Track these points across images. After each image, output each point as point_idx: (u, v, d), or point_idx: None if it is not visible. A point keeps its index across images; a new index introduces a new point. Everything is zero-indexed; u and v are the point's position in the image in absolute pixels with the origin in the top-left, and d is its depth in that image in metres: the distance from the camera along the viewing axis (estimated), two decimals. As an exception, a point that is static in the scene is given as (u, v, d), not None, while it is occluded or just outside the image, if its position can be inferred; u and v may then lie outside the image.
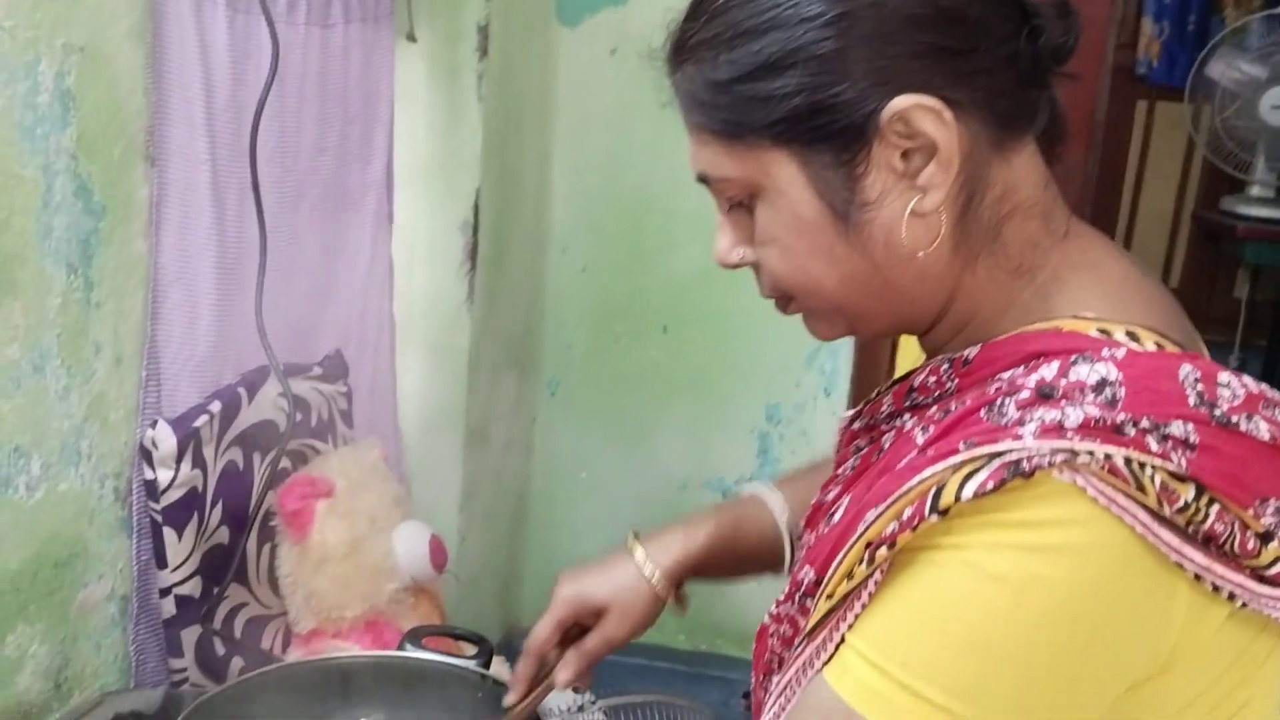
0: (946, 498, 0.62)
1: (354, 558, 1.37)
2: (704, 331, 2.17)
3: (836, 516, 0.74)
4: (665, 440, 2.24)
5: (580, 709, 1.87)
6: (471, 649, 1.04)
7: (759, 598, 2.30)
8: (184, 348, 1.27)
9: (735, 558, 0.99)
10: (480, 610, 2.06)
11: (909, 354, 0.98)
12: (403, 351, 1.81)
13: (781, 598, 0.76)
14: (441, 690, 1.00)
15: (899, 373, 0.96)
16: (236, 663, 1.31)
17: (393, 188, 1.73)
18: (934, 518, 0.62)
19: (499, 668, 1.53)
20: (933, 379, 0.73)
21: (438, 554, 1.43)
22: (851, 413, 0.85)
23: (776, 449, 2.20)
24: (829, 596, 0.67)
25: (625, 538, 0.97)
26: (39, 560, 1.10)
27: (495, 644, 2.19)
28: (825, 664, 0.66)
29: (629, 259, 2.18)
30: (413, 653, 1.02)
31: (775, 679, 0.73)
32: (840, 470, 0.83)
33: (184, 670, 1.26)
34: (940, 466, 0.63)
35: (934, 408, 0.72)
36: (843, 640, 0.66)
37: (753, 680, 0.81)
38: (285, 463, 1.41)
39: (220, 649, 1.30)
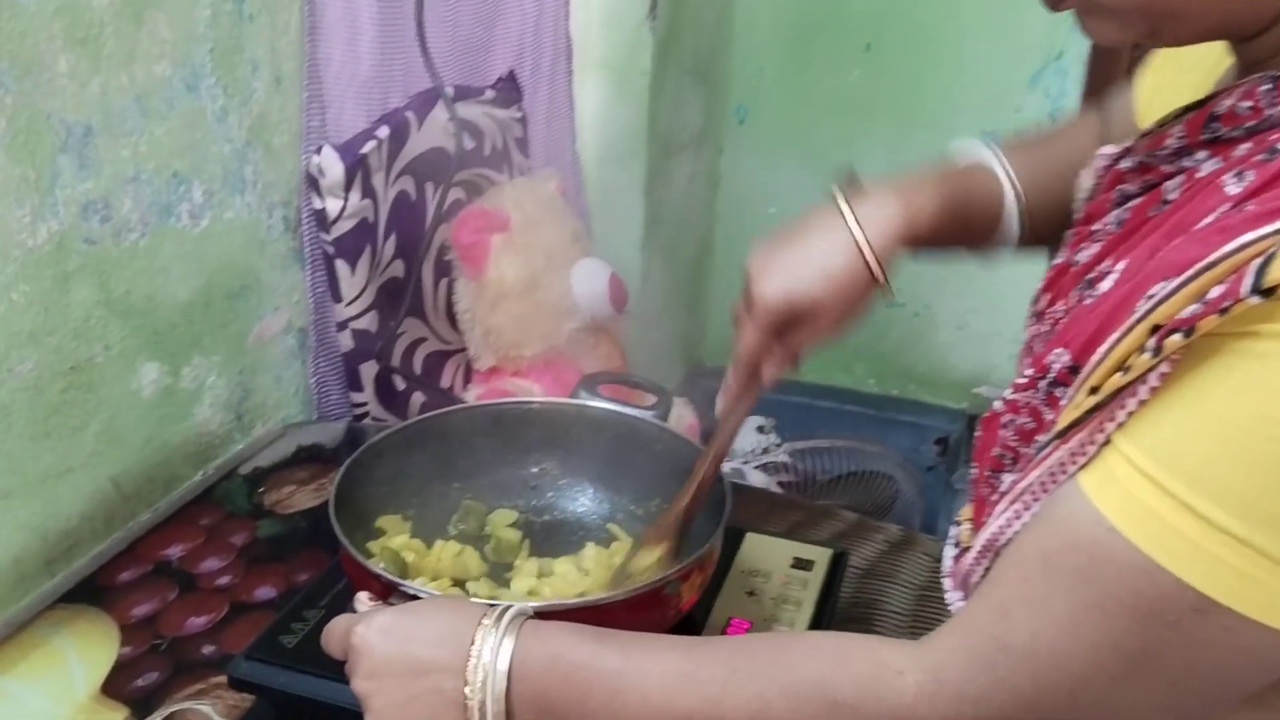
0: (1275, 274, 0.46)
1: (531, 295, 1.30)
2: (912, 50, 1.94)
3: (1103, 286, 0.58)
4: (864, 172, 2.06)
5: (765, 450, 1.82)
6: (650, 398, 0.96)
7: (957, 342, 2.17)
8: (346, 67, 1.17)
9: (958, 232, 0.82)
10: (661, 351, 2.01)
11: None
12: (580, 74, 1.67)
13: (1023, 382, 0.62)
14: (617, 441, 0.92)
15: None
16: (416, 398, 1.29)
17: (567, -115, 1.55)
18: (1254, 299, 0.46)
19: (681, 409, 1.48)
20: (1246, 104, 0.55)
21: (617, 292, 1.35)
22: (1115, 149, 0.67)
23: (987, 184, 2.00)
24: (1093, 390, 0.53)
25: (833, 197, 0.79)
26: (210, 291, 1.06)
27: (677, 384, 2.15)
28: (1081, 469, 0.53)
29: (829, -33, 1.95)
30: (588, 400, 0.94)
31: (1008, 478, 0.61)
32: (1099, 224, 0.66)
33: (364, 405, 1.24)
34: (1267, 230, 0.47)
35: (1247, 143, 0.55)
36: (1108, 443, 0.52)
37: (975, 471, 0.69)
38: (459, 194, 1.33)
39: (400, 384, 1.27)
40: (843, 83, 2.01)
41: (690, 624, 0.81)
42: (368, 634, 0.62)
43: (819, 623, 0.84)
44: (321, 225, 1.16)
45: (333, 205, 1.15)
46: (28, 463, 0.90)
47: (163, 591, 0.93)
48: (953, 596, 0.74)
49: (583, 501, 0.93)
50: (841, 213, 0.78)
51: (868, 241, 0.77)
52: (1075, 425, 0.54)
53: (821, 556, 0.91)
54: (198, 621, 0.90)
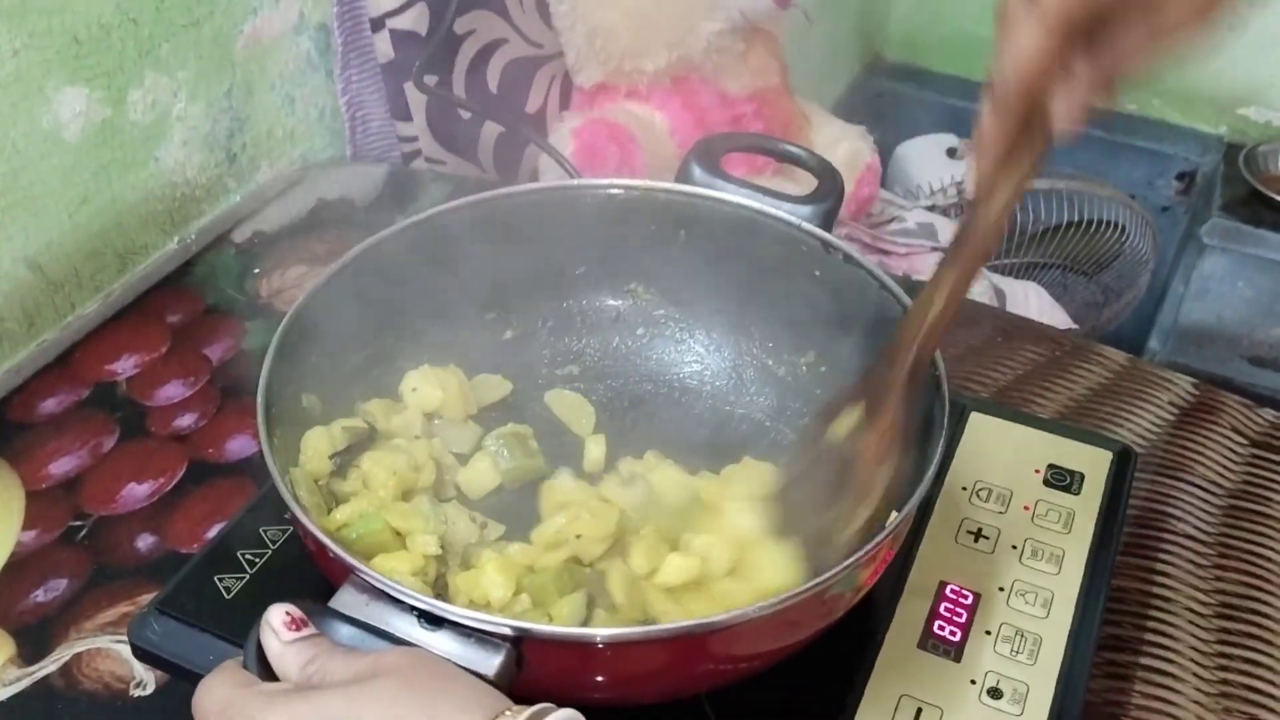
0: None
1: (656, -20, 0.90)
2: None
3: None
4: None
5: (959, 187, 1.42)
6: (806, 183, 0.57)
7: (1224, 44, 1.67)
8: None
9: None
10: (833, 52, 1.58)
11: None
12: None
13: None
14: (748, 254, 0.55)
15: None
16: (488, 131, 0.93)
17: None
18: None
19: (857, 144, 1.08)
20: None
21: (782, -23, 0.93)
22: None
23: None
24: None
25: None
26: (162, -26, 0.70)
27: (847, 85, 1.72)
28: None
29: None
30: (705, 185, 0.56)
31: None
32: None
33: (415, 139, 0.89)
34: None
35: None
36: None
37: None
38: None
39: (462, 110, 0.91)
40: None
41: (869, 602, 0.48)
42: None
43: (1093, 590, 0.50)
44: None
45: None
46: None
47: (97, 435, 0.64)
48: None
49: (691, 351, 0.59)
50: None
51: None
52: None
53: (1096, 464, 0.56)
54: (138, 491, 0.61)
